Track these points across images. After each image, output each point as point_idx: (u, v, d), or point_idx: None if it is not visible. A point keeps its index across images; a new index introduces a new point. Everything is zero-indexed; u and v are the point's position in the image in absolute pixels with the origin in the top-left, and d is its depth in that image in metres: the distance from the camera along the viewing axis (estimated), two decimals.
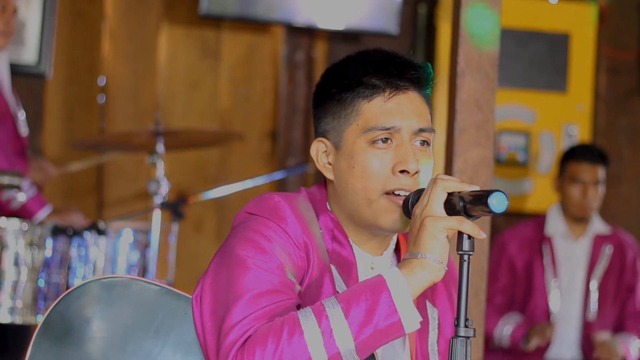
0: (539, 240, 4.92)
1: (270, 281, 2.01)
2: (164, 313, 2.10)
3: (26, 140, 4.40)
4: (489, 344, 4.81)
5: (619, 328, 4.90)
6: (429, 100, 2.19)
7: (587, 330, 4.86)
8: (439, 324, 2.21)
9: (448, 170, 3.08)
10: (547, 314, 4.85)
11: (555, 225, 4.93)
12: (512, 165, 5.63)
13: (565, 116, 5.66)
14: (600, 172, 4.85)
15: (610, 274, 4.90)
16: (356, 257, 2.16)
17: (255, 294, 1.99)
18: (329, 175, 2.18)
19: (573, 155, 4.90)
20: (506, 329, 4.75)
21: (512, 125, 5.61)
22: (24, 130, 4.38)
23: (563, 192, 4.90)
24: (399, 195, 2.10)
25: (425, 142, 2.15)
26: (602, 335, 4.76)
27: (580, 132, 5.65)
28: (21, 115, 4.39)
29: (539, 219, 5.00)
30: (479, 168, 3.06)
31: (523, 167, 5.64)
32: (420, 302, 2.18)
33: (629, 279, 4.92)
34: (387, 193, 2.10)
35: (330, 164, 2.17)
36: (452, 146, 3.06)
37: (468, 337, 1.95)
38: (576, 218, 4.91)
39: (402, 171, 2.10)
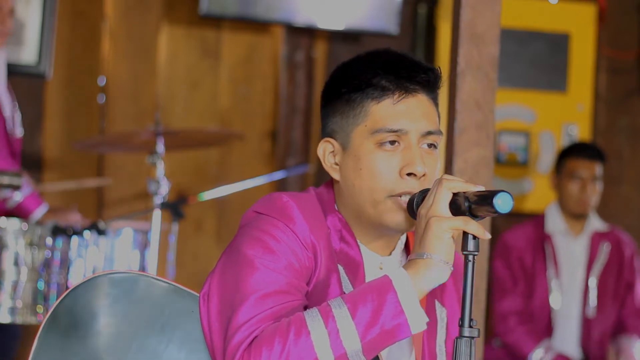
0: (541, 239, 4.94)
1: (278, 282, 2.01)
2: (171, 310, 2.10)
3: (19, 142, 4.39)
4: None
5: (619, 326, 4.92)
6: (437, 103, 2.19)
7: (587, 327, 4.87)
8: (447, 324, 2.21)
9: (448, 170, 3.08)
10: (549, 312, 4.87)
11: (555, 223, 4.94)
12: (512, 165, 5.63)
13: (565, 116, 5.66)
14: (598, 169, 4.89)
15: (609, 271, 4.92)
16: (364, 257, 2.16)
17: (262, 295, 1.99)
18: (336, 175, 2.18)
19: (571, 152, 4.94)
20: (547, 356, 4.76)
21: (512, 125, 5.62)
22: (18, 131, 4.37)
23: (561, 189, 4.93)
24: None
25: (432, 145, 2.15)
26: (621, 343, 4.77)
27: (580, 132, 5.66)
28: (17, 117, 4.38)
29: (537, 218, 5.02)
30: (479, 168, 3.06)
31: (523, 167, 5.65)
32: (430, 302, 2.18)
33: (627, 276, 4.94)
34: (394, 196, 2.10)
35: (337, 164, 2.17)
36: (452, 146, 3.06)
37: (472, 338, 1.95)
38: (575, 215, 4.93)
39: (409, 174, 2.10)
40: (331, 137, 2.18)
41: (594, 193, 4.89)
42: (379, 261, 2.18)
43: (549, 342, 4.79)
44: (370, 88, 2.13)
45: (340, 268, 2.12)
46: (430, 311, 2.16)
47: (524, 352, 4.78)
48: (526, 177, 5.65)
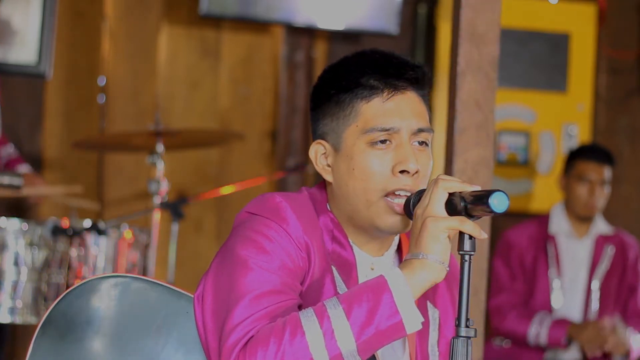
0: (543, 239, 4.93)
1: (272, 282, 2.01)
2: (166, 312, 2.10)
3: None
4: (522, 344, 4.81)
5: None
6: (427, 100, 2.19)
7: None
8: (439, 325, 2.21)
9: (448, 170, 3.08)
10: (550, 311, 4.86)
11: (559, 224, 4.94)
12: (512, 165, 5.63)
13: (565, 116, 5.66)
14: (607, 172, 4.87)
15: (612, 274, 4.91)
16: (356, 258, 2.16)
17: (257, 295, 1.99)
18: (328, 177, 2.18)
19: (580, 154, 4.92)
20: (543, 330, 4.75)
21: (512, 125, 5.62)
22: None
23: (569, 191, 4.92)
24: (399, 195, 2.10)
25: (424, 143, 2.15)
26: (610, 322, 4.74)
27: (580, 132, 5.66)
28: None
29: (542, 218, 5.01)
30: (479, 168, 3.06)
31: (523, 167, 5.64)
32: (421, 303, 2.18)
33: (630, 279, 4.93)
34: (388, 194, 2.10)
35: (329, 165, 2.17)
36: (452, 146, 3.06)
37: (469, 337, 1.95)
38: (581, 217, 4.92)
39: (402, 171, 2.10)
40: (322, 139, 2.18)
41: (602, 197, 4.87)
42: (370, 262, 2.18)
43: (542, 314, 4.77)
44: (359, 88, 2.13)
45: (334, 269, 2.13)
46: (422, 312, 2.15)
47: (520, 334, 4.77)
48: (526, 177, 5.65)
